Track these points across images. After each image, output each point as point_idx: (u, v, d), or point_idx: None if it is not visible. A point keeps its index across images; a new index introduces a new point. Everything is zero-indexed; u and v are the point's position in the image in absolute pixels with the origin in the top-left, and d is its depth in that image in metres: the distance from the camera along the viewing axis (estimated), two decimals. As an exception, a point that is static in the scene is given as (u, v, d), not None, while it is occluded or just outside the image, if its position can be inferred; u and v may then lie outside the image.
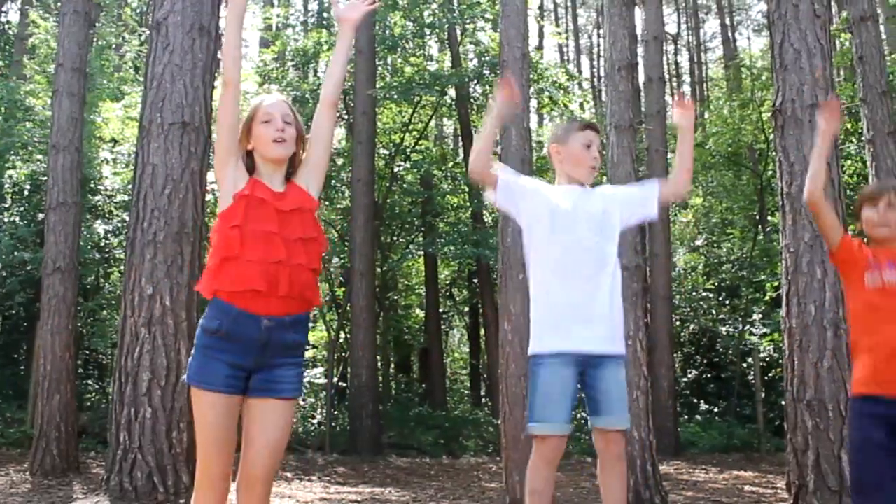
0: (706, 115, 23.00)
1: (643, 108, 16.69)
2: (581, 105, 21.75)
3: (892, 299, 3.47)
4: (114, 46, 19.51)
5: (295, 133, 3.38)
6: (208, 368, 3.23)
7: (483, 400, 20.79)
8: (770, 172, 17.06)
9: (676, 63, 38.12)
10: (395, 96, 16.37)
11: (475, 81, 17.50)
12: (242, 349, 3.23)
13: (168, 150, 7.64)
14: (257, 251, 3.21)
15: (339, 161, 17.47)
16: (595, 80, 36.15)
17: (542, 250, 3.66)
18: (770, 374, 17.16)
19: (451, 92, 18.00)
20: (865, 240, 3.79)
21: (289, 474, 10.51)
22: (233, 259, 3.22)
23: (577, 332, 3.50)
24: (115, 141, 16.30)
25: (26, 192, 14.61)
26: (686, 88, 38.86)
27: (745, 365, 17.74)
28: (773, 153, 6.70)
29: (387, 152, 17.86)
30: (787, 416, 6.05)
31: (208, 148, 8.07)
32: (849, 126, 17.02)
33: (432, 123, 21.38)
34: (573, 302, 3.53)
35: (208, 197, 10.52)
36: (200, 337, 3.29)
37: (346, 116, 17.73)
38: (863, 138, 11.75)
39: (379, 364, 17.49)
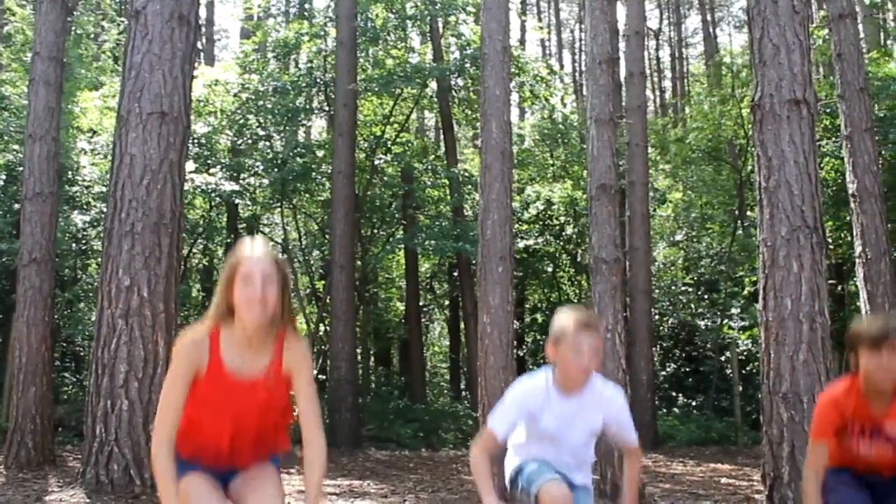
0: (687, 111, 23.10)
1: (624, 103, 16.73)
2: (562, 99, 21.76)
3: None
4: (92, 35, 19.37)
5: (277, 293, 3.14)
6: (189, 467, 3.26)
7: (463, 393, 20.82)
8: (749, 168, 17.16)
9: (658, 58, 38.24)
10: (377, 89, 16.33)
11: (457, 74, 17.47)
12: (219, 470, 3.31)
13: (146, 140, 7.59)
14: (202, 442, 3.24)
15: (320, 153, 17.42)
16: (577, 74, 36.20)
17: (524, 448, 3.75)
18: (748, 368, 17.28)
19: (433, 85, 17.97)
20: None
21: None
22: (190, 436, 3.23)
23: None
24: (93, 131, 16.18)
25: (2, 183, 14.48)
26: (667, 84, 39.01)
27: (723, 359, 17.85)
28: (752, 148, 6.73)
29: (367, 145, 17.82)
30: (762, 409, 6.09)
31: (187, 138, 8.02)
32: (827, 123, 17.12)
33: (413, 116, 21.35)
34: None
35: (186, 186, 10.47)
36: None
37: (326, 108, 17.68)
38: (840, 135, 11.82)
39: (359, 357, 17.48)
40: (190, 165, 14.18)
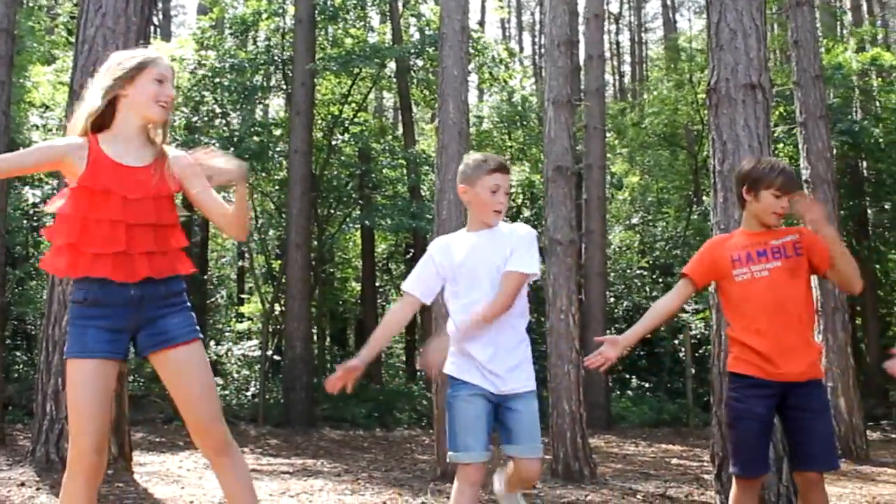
0: (645, 96, 23.24)
1: (583, 86, 16.78)
2: (521, 81, 21.74)
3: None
4: (45, 8, 18.98)
5: (172, 104, 3.32)
6: (83, 338, 3.11)
7: (418, 373, 20.85)
8: (705, 153, 17.32)
9: (618, 42, 38.40)
10: (335, 68, 16.20)
11: (416, 55, 17.40)
12: (116, 313, 3.14)
13: (99, 114, 7.45)
14: (98, 243, 3.11)
15: (277, 132, 17.28)
16: (537, 57, 36.23)
17: (452, 310, 3.65)
18: (700, 351, 17.52)
19: (392, 65, 17.88)
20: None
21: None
22: (75, 247, 3.12)
23: (489, 377, 3.53)
24: (45, 106, 15.89)
25: (-50, 157, 14.15)
26: (626, 68, 39.20)
27: (676, 342, 18.08)
28: (709, 133, 6.78)
29: (325, 124, 17.70)
30: (712, 390, 6.15)
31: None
32: (781, 109, 17.32)
33: (372, 96, 21.23)
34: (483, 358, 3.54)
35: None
36: (71, 311, 3.19)
37: (284, 87, 17.52)
38: (796, 121, 11.96)
39: (314, 337, 17.43)
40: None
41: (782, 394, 3.64)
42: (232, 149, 15.88)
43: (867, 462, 10.17)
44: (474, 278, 3.56)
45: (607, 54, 28.74)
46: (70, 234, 3.11)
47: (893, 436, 15.03)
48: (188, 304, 3.31)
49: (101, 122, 3.23)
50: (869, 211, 19.24)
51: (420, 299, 3.67)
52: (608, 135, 19.48)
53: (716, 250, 3.88)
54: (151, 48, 3.39)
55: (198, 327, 3.29)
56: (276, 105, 21.77)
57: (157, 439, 11.20)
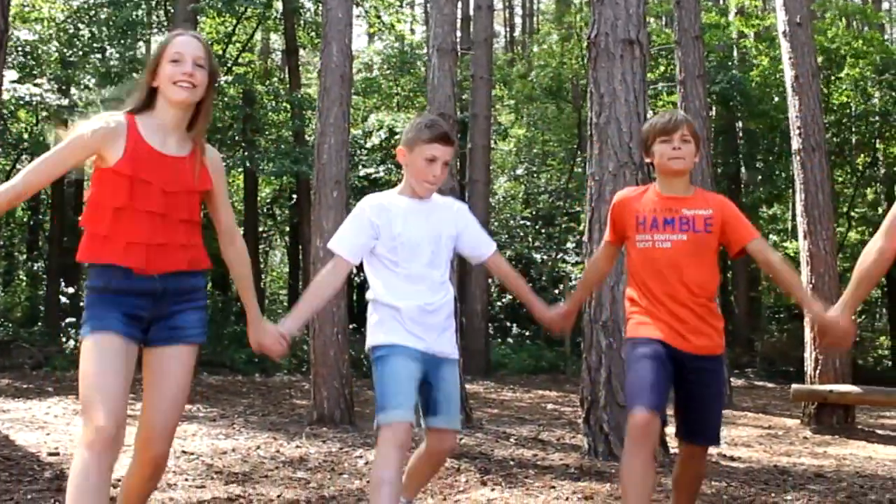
0: (535, 49, 23.38)
1: (472, 36, 16.75)
2: (411, 27, 21.59)
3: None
4: None
5: (206, 80, 3.07)
6: (105, 319, 2.92)
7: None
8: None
9: (509, -7, 38.35)
10: (219, 6, 15.70)
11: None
12: (136, 300, 2.98)
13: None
14: (133, 233, 2.97)
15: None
16: (428, 4, 35.92)
17: (385, 276, 3.44)
18: (578, 301, 17.92)
19: (279, 5, 17.46)
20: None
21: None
22: (108, 237, 2.97)
23: (422, 337, 3.39)
24: None
25: None
26: (518, 20, 39.28)
27: (557, 291, 18.46)
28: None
29: (208, 64, 17.17)
30: (584, 337, 6.32)
31: (5, 43, 7.48)
32: (662, 68, 17.74)
33: (258, 37, 20.73)
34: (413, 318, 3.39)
35: (6, 96, 9.82)
36: (89, 298, 3.00)
37: (165, 24, 16.91)
38: (675, 80, 12.24)
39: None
40: (11, 74, 13.33)
41: (679, 361, 3.49)
42: (111, 86, 15.29)
43: (730, 407, 10.68)
44: (416, 248, 3.40)
45: (498, 5, 28.79)
46: (102, 222, 2.96)
47: (756, 383, 15.82)
48: (205, 303, 3.22)
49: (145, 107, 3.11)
50: (743, 169, 19.99)
51: (352, 262, 3.46)
52: (496, 86, 19.57)
53: (624, 209, 3.69)
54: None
55: (205, 330, 3.21)
56: (157, 42, 21.01)
57: (25, 386, 10.85)
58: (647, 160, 3.72)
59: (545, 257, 19.55)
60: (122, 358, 2.91)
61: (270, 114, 17.92)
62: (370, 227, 3.41)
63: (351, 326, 8.01)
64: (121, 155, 2.94)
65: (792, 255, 16.42)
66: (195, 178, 3.08)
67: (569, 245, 19.41)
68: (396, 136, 18.72)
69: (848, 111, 17.63)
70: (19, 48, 14.40)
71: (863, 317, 21.96)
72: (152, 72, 3.06)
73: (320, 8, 16.82)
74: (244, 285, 3.40)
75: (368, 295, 3.52)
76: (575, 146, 20.38)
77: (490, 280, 15.51)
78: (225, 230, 3.30)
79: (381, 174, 17.98)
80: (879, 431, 8.75)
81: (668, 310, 3.50)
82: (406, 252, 3.40)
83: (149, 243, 2.97)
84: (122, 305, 2.95)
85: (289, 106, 17.32)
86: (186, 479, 5.12)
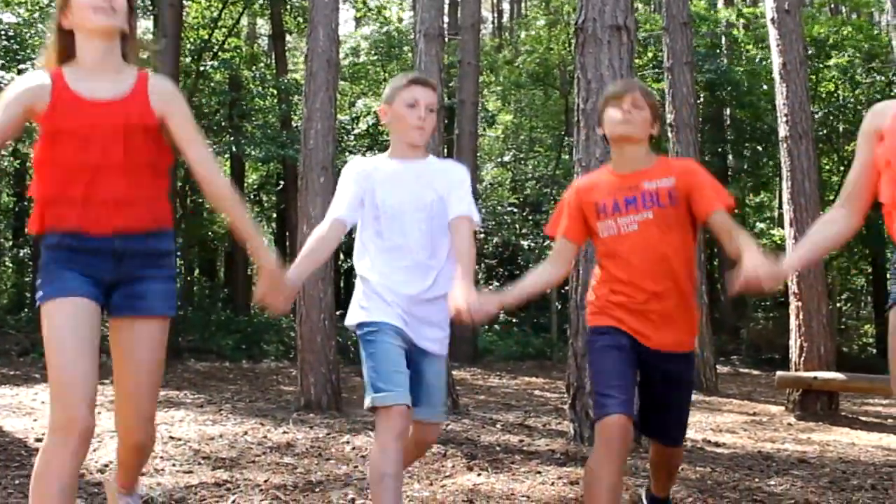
0: (523, 35, 23.33)
1: (459, 21, 16.70)
2: (399, 13, 21.52)
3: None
4: None
5: (125, 3, 2.76)
6: (61, 280, 2.70)
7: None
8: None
9: (497, -22, 38.25)
10: (205, -10, 15.66)
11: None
12: (92, 259, 2.74)
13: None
14: (60, 191, 2.73)
15: (144, 55, 16.54)
16: (415, -10, 35.80)
17: (371, 249, 3.27)
18: (566, 288, 17.91)
19: (265, -11, 17.39)
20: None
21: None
22: (42, 200, 2.75)
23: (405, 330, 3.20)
24: None
25: None
26: (506, 5, 39.18)
27: (543, 278, 18.45)
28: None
29: (194, 49, 17.08)
30: (570, 322, 6.33)
31: None
32: (650, 54, 17.73)
33: (244, 22, 20.62)
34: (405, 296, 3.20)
35: None
36: (43, 258, 2.78)
37: (150, 7, 16.79)
38: (663, 66, 12.25)
39: (181, 268, 17.04)
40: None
41: (647, 356, 3.23)
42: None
43: (716, 394, 10.75)
44: (399, 216, 3.21)
45: (486, -10, 28.67)
46: (37, 185, 2.75)
47: (742, 370, 15.91)
48: (174, 273, 2.96)
49: (66, 55, 2.79)
50: (730, 157, 20.04)
51: (347, 222, 3.23)
52: (483, 72, 19.51)
53: (582, 199, 3.37)
54: None
55: (175, 303, 2.93)
56: (142, 27, 20.88)
57: (12, 372, 10.80)
58: (600, 132, 3.37)
59: (532, 244, 19.56)
60: (86, 326, 2.68)
61: (257, 99, 17.83)
62: (356, 186, 3.25)
63: (338, 313, 8.00)
64: (46, 108, 2.70)
65: (778, 242, 16.52)
66: (133, 117, 2.75)
67: (556, 232, 19.40)
68: (384, 123, 18.69)
69: (835, 100, 17.69)
70: (3, 32, 14.27)
71: (848, 305, 22.12)
72: (62, 9, 2.75)
73: (307, -7, 16.84)
74: (241, 226, 2.97)
75: (357, 268, 3.34)
76: (562, 132, 20.37)
77: (478, 266, 15.52)
78: (197, 168, 2.88)
79: (369, 160, 17.86)
80: (863, 418, 8.83)
81: (640, 304, 3.20)
82: (389, 221, 3.21)
83: (87, 199, 2.71)
84: (77, 264, 2.73)
85: (275, 91, 17.26)
86: (174, 465, 5.11)
